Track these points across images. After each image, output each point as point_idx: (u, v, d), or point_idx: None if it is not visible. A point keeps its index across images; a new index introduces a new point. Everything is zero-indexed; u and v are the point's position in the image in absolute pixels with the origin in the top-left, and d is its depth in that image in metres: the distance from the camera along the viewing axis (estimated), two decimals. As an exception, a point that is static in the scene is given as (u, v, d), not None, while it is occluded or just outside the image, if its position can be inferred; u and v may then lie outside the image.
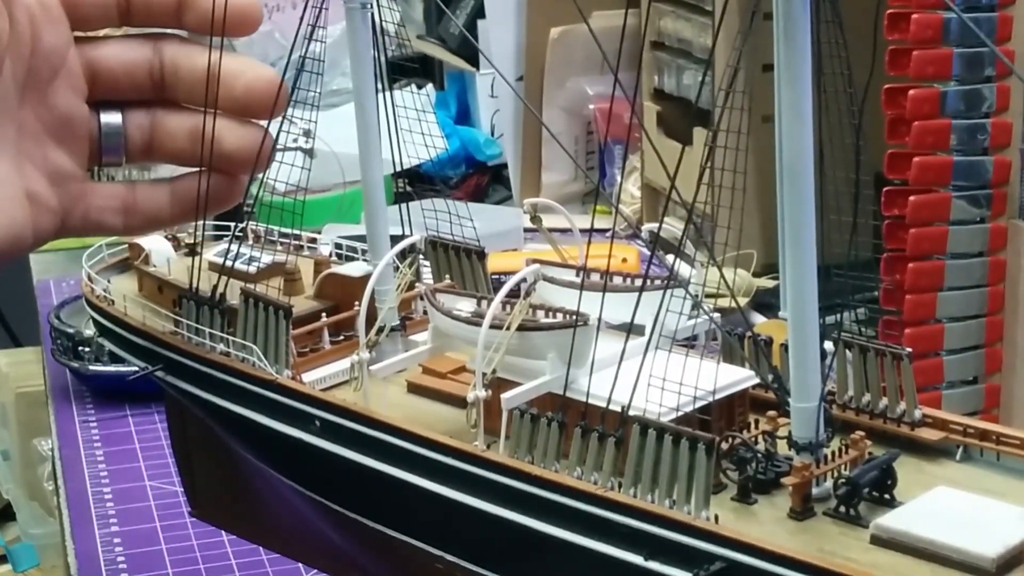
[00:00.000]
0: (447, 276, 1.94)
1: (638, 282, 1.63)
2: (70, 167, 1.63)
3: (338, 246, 2.11)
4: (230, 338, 1.80)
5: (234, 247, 1.88)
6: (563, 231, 1.91)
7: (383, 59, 1.85)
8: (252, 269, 1.94)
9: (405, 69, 2.01)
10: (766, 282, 2.95)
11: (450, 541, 1.60)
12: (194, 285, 1.87)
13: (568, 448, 1.47)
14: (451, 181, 3.96)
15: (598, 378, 1.51)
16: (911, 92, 2.26)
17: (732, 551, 1.33)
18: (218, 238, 2.11)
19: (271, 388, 1.75)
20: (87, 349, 2.86)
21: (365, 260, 1.97)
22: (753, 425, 1.56)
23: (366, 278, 1.79)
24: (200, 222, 1.78)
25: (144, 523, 2.44)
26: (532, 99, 3.73)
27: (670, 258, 1.54)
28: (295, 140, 1.98)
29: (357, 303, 1.76)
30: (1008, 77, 2.28)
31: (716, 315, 1.63)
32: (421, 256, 1.91)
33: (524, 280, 1.64)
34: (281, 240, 2.08)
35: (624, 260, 2.95)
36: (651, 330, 1.51)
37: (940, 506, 1.39)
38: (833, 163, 1.43)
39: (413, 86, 2.20)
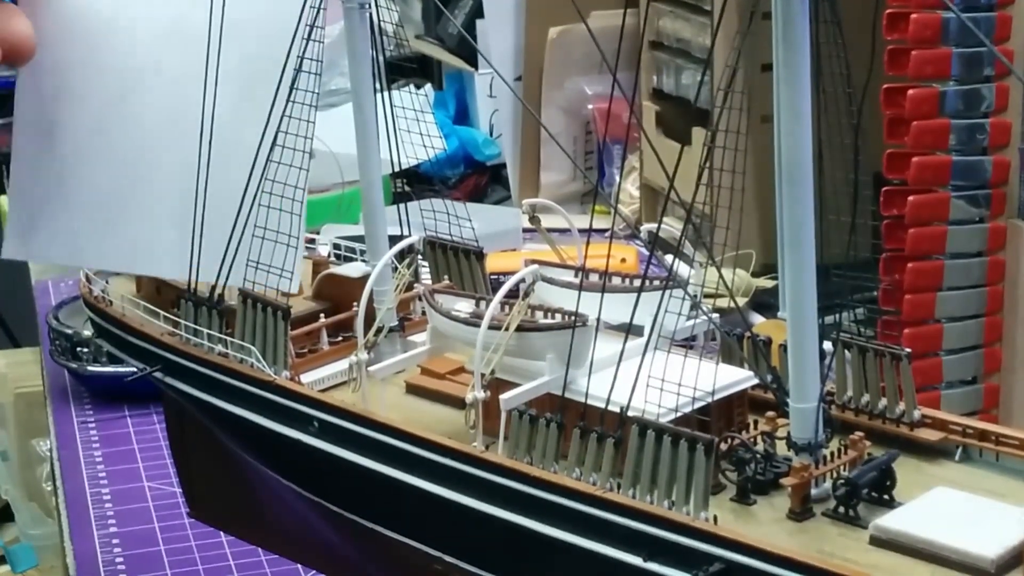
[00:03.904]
0: (446, 277, 1.94)
1: (637, 282, 1.63)
2: None
3: (336, 246, 2.11)
4: (228, 339, 1.80)
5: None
6: (562, 231, 1.91)
7: (381, 59, 1.85)
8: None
9: (403, 69, 2.01)
10: (765, 282, 2.94)
11: (449, 542, 1.60)
12: (192, 286, 1.86)
13: (567, 449, 1.46)
14: (449, 181, 3.96)
15: (597, 379, 1.51)
16: (910, 92, 2.26)
17: (731, 552, 1.33)
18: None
19: (269, 389, 1.75)
20: (85, 350, 2.86)
21: (363, 260, 1.97)
22: (752, 426, 1.56)
23: (364, 279, 1.79)
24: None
25: (143, 524, 2.44)
26: (531, 99, 3.73)
27: (669, 258, 1.54)
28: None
29: (356, 304, 1.76)
30: (1007, 77, 2.27)
31: (715, 315, 1.63)
32: (420, 256, 1.91)
33: (523, 281, 1.64)
34: (279, 240, 2.07)
35: (623, 260, 2.95)
36: (650, 330, 1.51)
37: (939, 507, 1.38)
38: (832, 163, 1.43)
39: (411, 86, 2.20)
